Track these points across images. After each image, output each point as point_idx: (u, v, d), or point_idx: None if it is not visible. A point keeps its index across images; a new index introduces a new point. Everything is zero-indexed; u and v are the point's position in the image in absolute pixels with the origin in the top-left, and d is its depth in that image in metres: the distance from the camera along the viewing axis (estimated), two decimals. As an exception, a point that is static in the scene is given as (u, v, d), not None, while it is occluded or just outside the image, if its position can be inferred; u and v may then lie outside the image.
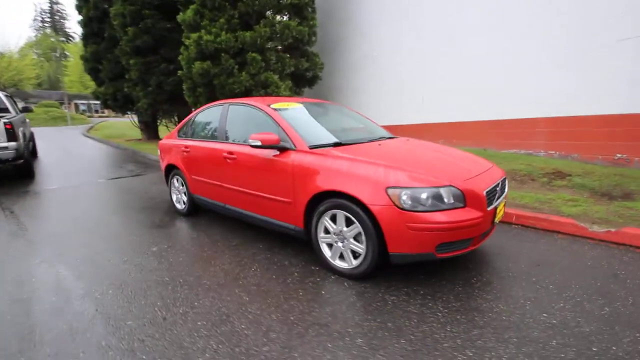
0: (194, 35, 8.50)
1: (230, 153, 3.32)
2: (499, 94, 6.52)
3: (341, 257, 2.57)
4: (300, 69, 9.75)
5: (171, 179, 4.43)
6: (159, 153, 4.79)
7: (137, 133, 15.63)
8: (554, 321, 1.93)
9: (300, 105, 3.42)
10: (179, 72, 9.76)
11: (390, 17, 9.33)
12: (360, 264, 2.42)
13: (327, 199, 2.54)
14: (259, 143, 2.83)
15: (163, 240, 3.46)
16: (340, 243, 2.53)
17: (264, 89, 9.05)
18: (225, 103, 3.72)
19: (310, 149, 2.75)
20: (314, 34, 9.75)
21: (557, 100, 5.63)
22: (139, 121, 14.79)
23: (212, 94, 9.43)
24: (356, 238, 2.44)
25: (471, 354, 1.69)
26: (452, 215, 2.19)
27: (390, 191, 2.22)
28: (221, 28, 8.59)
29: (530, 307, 2.08)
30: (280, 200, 2.89)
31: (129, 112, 14.51)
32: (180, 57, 9.28)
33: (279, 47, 9.37)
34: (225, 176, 3.44)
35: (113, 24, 11.98)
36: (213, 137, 3.72)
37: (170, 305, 2.23)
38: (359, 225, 2.36)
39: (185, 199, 4.23)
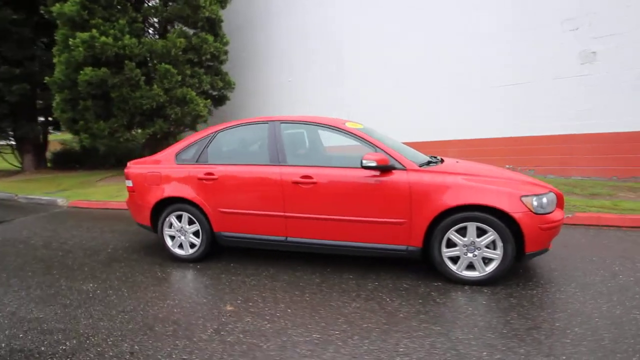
0: (83, 35, 6.65)
1: (307, 177, 2.91)
2: (416, 121, 7.96)
3: (468, 267, 2.71)
4: (215, 87, 9.02)
5: (165, 217, 3.37)
6: (130, 185, 3.55)
7: None
8: (641, 279, 2.72)
9: (363, 125, 3.37)
10: (47, 79, 7.29)
11: (300, 45, 9.82)
12: (494, 269, 2.64)
13: (451, 214, 2.65)
14: (375, 164, 2.67)
15: (221, 296, 2.64)
16: (470, 253, 2.67)
17: (180, 107, 7.88)
18: (269, 121, 3.21)
19: (420, 167, 2.80)
20: (225, 53, 9.24)
21: (464, 127, 7.41)
22: None
23: (106, 109, 7.49)
24: (487, 246, 2.65)
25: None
26: (559, 214, 2.74)
27: (524, 199, 2.57)
28: (121, 31, 7.04)
29: (623, 275, 2.78)
30: (390, 222, 2.77)
31: None
32: (55, 60, 6.96)
33: (195, 61, 8.36)
34: (292, 204, 2.96)
35: None
36: (259, 160, 3.14)
37: (381, 360, 1.83)
38: (495, 233, 2.58)
39: (196, 240, 3.31)
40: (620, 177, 6.00)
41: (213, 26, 8.75)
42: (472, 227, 2.63)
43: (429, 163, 3.01)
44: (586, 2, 6.05)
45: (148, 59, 7.64)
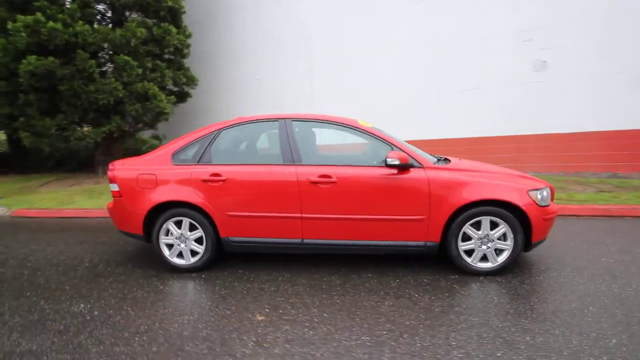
0: (27, 18, 5.81)
1: (326, 176, 2.84)
2: (388, 120, 8.23)
3: (481, 259, 2.86)
4: (178, 82, 8.45)
5: (162, 224, 3.05)
6: (116, 190, 3.15)
7: None
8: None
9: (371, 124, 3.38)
10: (-24, 68, 6.14)
11: (268, 41, 9.58)
12: (505, 259, 2.82)
13: (468, 209, 2.78)
14: (398, 162, 2.71)
15: (244, 305, 2.47)
16: (484, 246, 2.83)
17: (140, 103, 7.23)
18: (279, 118, 3.08)
19: (435, 165, 2.89)
20: (187, 46, 8.69)
21: (429, 127, 7.84)
22: None
23: (53, 104, 6.59)
24: (499, 238, 2.82)
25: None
26: (554, 206, 3.01)
27: (530, 193, 2.78)
28: (72, 16, 6.26)
29: (604, 257, 3.12)
30: (409, 219, 2.82)
31: None
32: (-12, 45, 5.91)
33: (155, 53, 7.71)
34: (310, 205, 2.87)
35: None
36: (270, 160, 2.99)
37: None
38: (506, 225, 2.76)
39: (199, 247, 3.06)
40: (567, 172, 6.82)
41: (175, 17, 8.16)
42: (486, 220, 2.78)
43: (438, 161, 3.12)
44: (538, 16, 6.77)
45: (102, 49, 6.87)
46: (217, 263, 3.24)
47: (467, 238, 2.84)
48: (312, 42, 9.01)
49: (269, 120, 3.12)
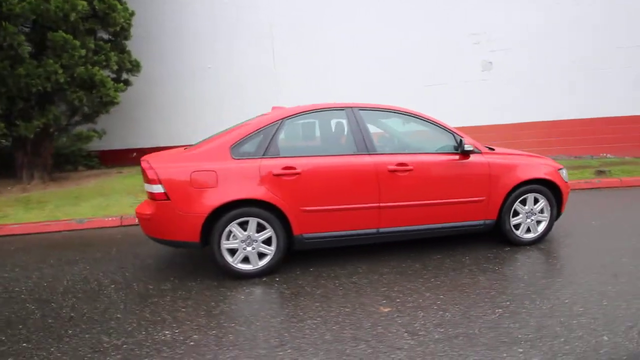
0: None
1: (402, 165, 2.88)
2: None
3: (527, 231, 3.29)
4: (123, 67, 7.29)
5: (224, 227, 2.69)
6: (160, 191, 2.65)
7: None
8: None
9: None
10: None
11: (225, 25, 8.89)
12: (544, 230, 3.30)
13: (518, 188, 3.16)
14: (472, 148, 2.91)
15: (357, 300, 2.40)
16: (528, 219, 3.25)
17: (84, 90, 6.03)
18: (345, 107, 2.98)
19: (489, 151, 3.19)
20: (131, 26, 7.53)
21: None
22: None
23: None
24: (539, 211, 3.28)
25: None
26: (569, 182, 3.63)
27: (559, 171, 3.31)
28: (-13, -24, 4.85)
29: (595, 223, 3.86)
30: (472, 201, 3.07)
31: None
32: None
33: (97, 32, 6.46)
34: (388, 193, 2.89)
35: None
36: (343, 150, 2.91)
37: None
38: (545, 200, 3.23)
39: (268, 249, 2.79)
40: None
41: (115, -9, 6.93)
42: (531, 197, 3.21)
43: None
44: (484, 21, 7.79)
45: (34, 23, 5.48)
46: (294, 262, 2.99)
47: (515, 214, 3.23)
48: (274, 31, 8.66)
49: (334, 109, 3.00)
